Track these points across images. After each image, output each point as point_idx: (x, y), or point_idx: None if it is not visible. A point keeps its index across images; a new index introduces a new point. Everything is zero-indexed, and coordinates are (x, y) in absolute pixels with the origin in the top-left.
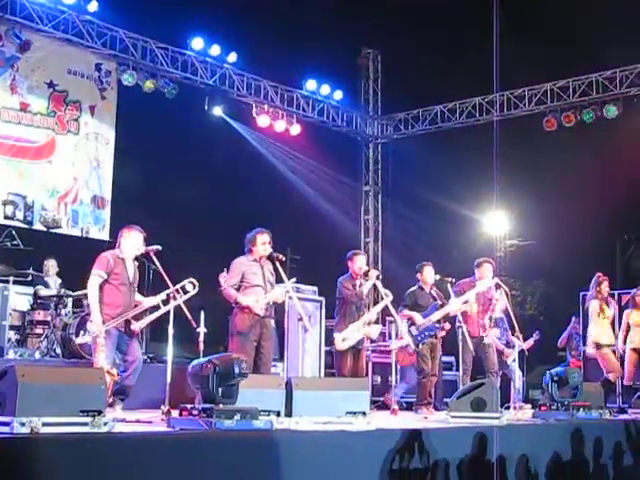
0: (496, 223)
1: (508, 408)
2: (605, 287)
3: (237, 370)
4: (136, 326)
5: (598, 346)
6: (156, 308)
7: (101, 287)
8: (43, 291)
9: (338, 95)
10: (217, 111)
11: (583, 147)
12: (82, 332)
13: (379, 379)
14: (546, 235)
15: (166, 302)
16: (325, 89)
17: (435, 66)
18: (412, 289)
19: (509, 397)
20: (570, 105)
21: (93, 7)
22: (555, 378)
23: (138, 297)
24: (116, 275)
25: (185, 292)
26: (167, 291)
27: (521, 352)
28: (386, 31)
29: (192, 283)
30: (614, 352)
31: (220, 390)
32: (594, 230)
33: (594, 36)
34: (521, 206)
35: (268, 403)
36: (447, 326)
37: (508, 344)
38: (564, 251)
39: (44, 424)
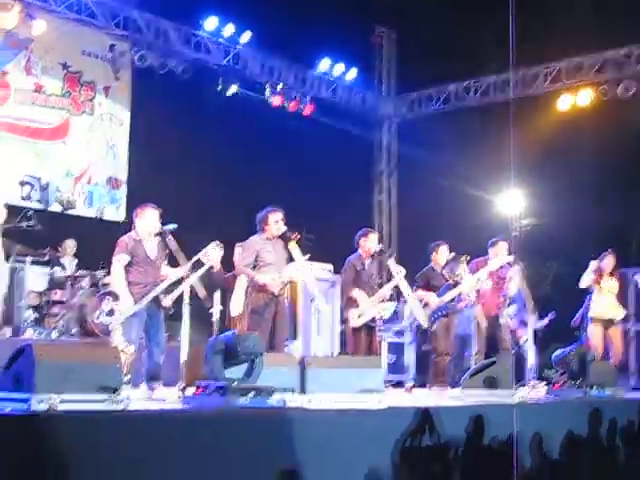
0: (511, 203)
1: (522, 386)
2: (607, 262)
3: (240, 348)
4: (166, 301)
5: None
6: (179, 282)
7: (126, 269)
8: (59, 273)
9: (352, 74)
10: (231, 91)
11: (598, 125)
12: (98, 312)
13: (394, 358)
14: (562, 214)
15: (194, 269)
16: (339, 68)
17: (449, 45)
18: (424, 269)
19: (523, 375)
20: (586, 83)
21: None
22: (567, 357)
23: (164, 270)
24: (136, 257)
25: (207, 260)
26: (194, 258)
27: (535, 331)
28: (400, 9)
29: (217, 245)
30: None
31: (225, 368)
32: (610, 209)
33: (609, 14)
34: (536, 185)
35: (282, 381)
36: (462, 305)
37: (523, 322)
38: (580, 230)
39: (61, 401)
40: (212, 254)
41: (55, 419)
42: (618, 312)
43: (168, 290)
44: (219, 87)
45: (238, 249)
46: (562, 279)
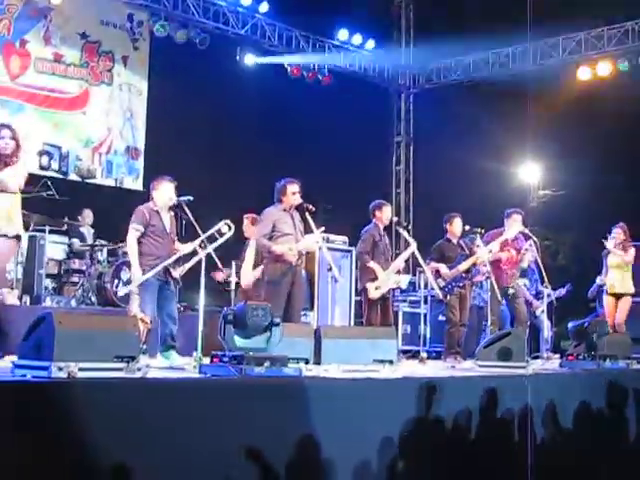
0: (528, 174)
1: (537, 358)
2: (618, 234)
3: (249, 319)
4: (176, 273)
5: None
6: (193, 255)
7: (140, 240)
8: (77, 243)
9: (370, 45)
10: (249, 60)
11: (617, 96)
12: (117, 281)
13: (409, 328)
14: (579, 185)
15: (203, 246)
16: (357, 39)
17: (467, 16)
18: (439, 242)
19: (538, 347)
20: (605, 54)
21: None
22: (582, 328)
23: (176, 245)
24: (153, 227)
25: (221, 234)
26: (203, 235)
27: (550, 303)
28: None
29: (227, 225)
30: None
31: (241, 337)
32: (627, 181)
33: None
34: (554, 156)
35: (297, 351)
36: (478, 277)
37: (537, 295)
38: (597, 201)
39: (80, 369)
40: (222, 232)
41: (74, 386)
42: (629, 286)
43: (180, 262)
44: (237, 57)
45: (246, 220)
46: (579, 250)
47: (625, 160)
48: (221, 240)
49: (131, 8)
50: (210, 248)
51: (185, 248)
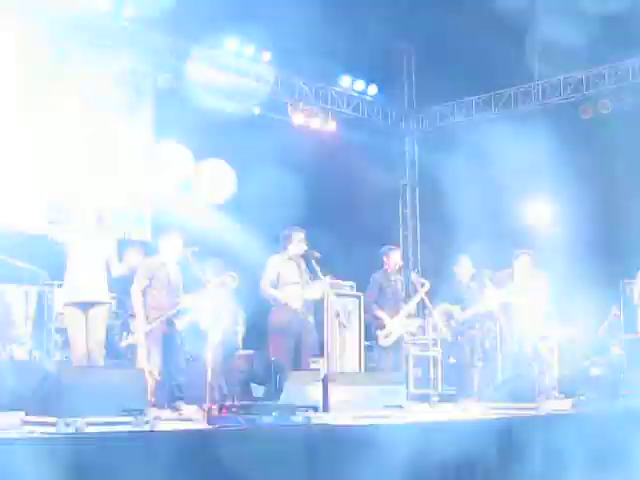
0: (537, 212)
1: (548, 398)
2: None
3: (258, 369)
4: (179, 325)
5: None
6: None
7: (145, 291)
8: None
9: (372, 90)
10: (253, 110)
11: (622, 133)
12: (125, 333)
13: (420, 372)
14: (588, 223)
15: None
16: (359, 85)
17: (468, 58)
18: (450, 283)
19: (549, 387)
20: (606, 92)
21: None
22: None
23: (181, 297)
24: (157, 280)
25: (224, 287)
26: (210, 285)
27: (563, 341)
28: (419, 25)
29: (232, 276)
30: None
31: (247, 387)
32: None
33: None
34: (563, 193)
35: (306, 399)
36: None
37: (549, 334)
38: (607, 239)
39: (88, 424)
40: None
41: (82, 441)
42: None
43: (184, 313)
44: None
45: None
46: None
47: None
48: (225, 292)
49: (135, 61)
50: (215, 300)
51: (187, 300)
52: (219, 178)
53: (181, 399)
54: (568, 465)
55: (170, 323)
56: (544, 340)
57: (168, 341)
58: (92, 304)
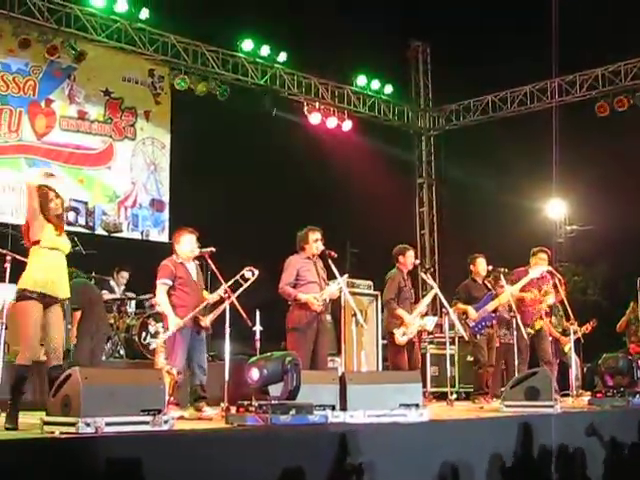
0: (555, 209)
1: (566, 396)
2: None
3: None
4: (204, 321)
5: None
6: (219, 303)
7: (169, 293)
8: (107, 295)
9: (388, 89)
10: (271, 110)
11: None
12: (144, 334)
13: (437, 370)
14: (606, 219)
15: (228, 295)
16: (375, 84)
17: (483, 56)
18: (465, 282)
19: (567, 384)
20: (623, 89)
21: (145, 14)
22: (611, 364)
23: (204, 294)
24: (180, 279)
25: (245, 280)
26: (227, 283)
27: (577, 339)
28: (434, 23)
29: (251, 271)
30: None
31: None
32: None
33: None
34: (580, 191)
35: (323, 397)
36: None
37: (564, 332)
38: (625, 235)
39: (107, 424)
40: (246, 277)
41: (102, 441)
42: None
43: (207, 312)
44: (266, 107)
45: None
46: (610, 284)
47: None
48: (245, 285)
49: (152, 64)
50: (234, 295)
51: (210, 298)
52: None
53: (204, 398)
54: (581, 463)
55: (195, 320)
56: (562, 337)
57: (194, 339)
58: (53, 299)
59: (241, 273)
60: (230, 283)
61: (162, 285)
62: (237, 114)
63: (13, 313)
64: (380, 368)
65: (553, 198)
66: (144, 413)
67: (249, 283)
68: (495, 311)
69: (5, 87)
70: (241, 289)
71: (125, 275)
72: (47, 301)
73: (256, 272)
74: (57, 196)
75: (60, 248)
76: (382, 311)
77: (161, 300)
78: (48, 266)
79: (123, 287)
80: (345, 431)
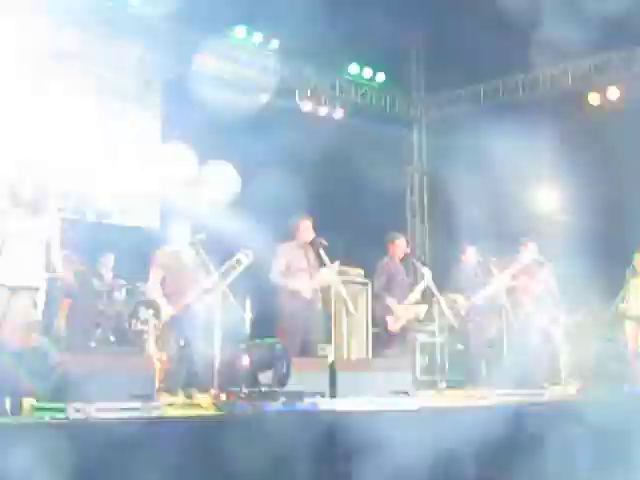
0: (545, 199)
1: (555, 384)
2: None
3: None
4: (197, 310)
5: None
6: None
7: (162, 281)
8: (96, 283)
9: (380, 77)
10: (262, 98)
11: (629, 121)
12: (135, 321)
13: (427, 358)
14: (597, 209)
15: (223, 278)
16: (367, 72)
17: (476, 45)
18: (455, 271)
19: (556, 373)
20: (614, 79)
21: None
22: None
23: (198, 280)
24: (173, 268)
25: (240, 264)
26: (222, 267)
27: (568, 327)
28: (427, 11)
29: (246, 254)
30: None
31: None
32: None
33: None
34: (570, 182)
35: (313, 385)
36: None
37: (555, 320)
38: (616, 225)
39: (97, 409)
40: (240, 261)
41: (92, 427)
42: None
43: (200, 298)
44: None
45: None
46: (598, 274)
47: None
48: (240, 269)
49: (143, 50)
50: (229, 279)
51: (204, 282)
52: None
53: (196, 386)
54: (574, 453)
55: (189, 308)
56: (552, 325)
57: (188, 327)
58: (19, 287)
59: (235, 257)
60: (225, 266)
61: (154, 274)
62: (230, 101)
63: None
64: (370, 356)
65: (544, 188)
66: (134, 399)
67: (244, 266)
68: (484, 300)
69: None
70: (236, 273)
71: (110, 258)
72: None
73: (250, 254)
74: None
75: None
76: (372, 299)
77: (154, 289)
78: None
79: (112, 274)
80: (335, 418)
